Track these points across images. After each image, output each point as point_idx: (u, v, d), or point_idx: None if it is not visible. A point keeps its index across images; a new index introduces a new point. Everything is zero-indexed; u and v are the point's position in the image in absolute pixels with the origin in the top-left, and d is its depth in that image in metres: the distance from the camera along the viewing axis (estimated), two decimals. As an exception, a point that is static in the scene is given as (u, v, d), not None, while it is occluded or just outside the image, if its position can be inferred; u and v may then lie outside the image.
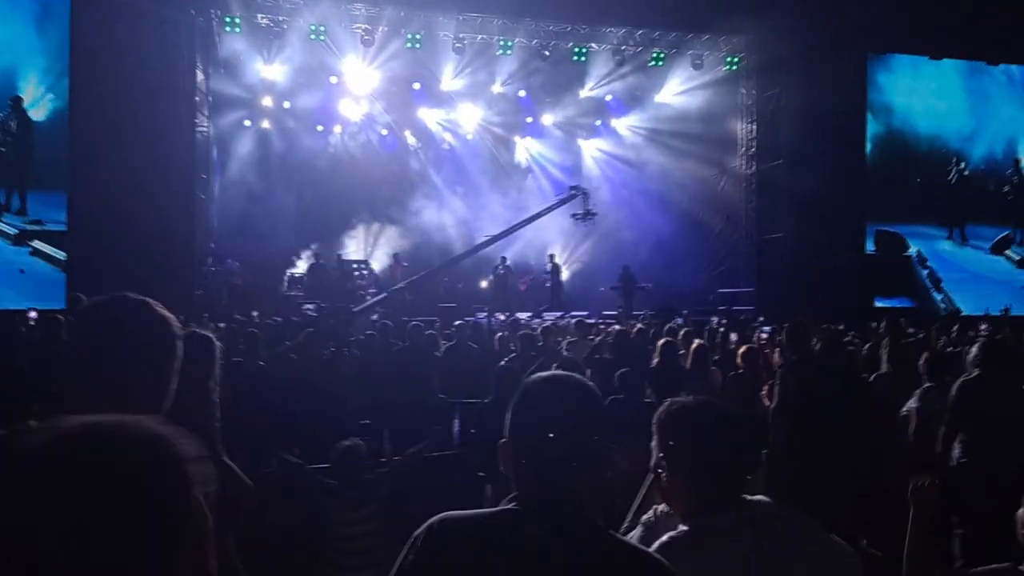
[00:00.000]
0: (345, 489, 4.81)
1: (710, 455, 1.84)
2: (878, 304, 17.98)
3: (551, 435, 1.49)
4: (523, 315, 15.75)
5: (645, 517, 2.06)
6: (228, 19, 16.36)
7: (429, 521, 1.51)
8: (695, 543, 1.78)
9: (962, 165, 19.67)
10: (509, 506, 1.51)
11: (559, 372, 1.67)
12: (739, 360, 7.11)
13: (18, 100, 14.42)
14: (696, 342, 7.39)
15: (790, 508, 1.87)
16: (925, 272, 19.21)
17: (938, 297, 19.07)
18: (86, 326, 1.75)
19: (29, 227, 14.39)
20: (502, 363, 7.69)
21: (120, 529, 0.90)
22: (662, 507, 2.01)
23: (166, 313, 1.74)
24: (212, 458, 2.32)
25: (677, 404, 1.94)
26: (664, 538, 1.81)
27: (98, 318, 1.73)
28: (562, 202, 17.16)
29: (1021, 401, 5.10)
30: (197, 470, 1.00)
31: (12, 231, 14.37)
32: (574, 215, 17.41)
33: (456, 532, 1.50)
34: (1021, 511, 2.42)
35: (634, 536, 2.00)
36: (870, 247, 18.70)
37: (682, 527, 1.83)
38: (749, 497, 1.86)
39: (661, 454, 1.90)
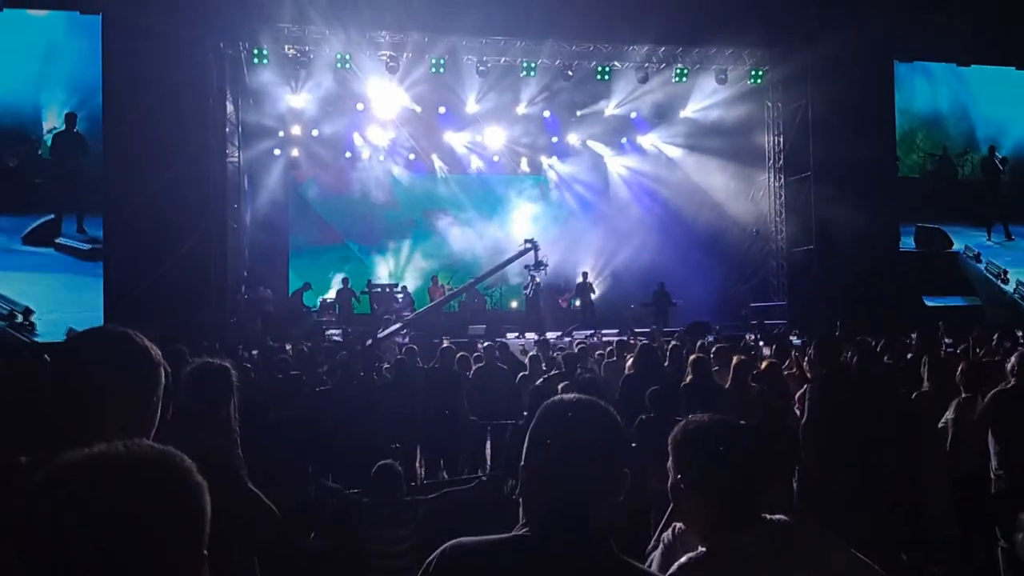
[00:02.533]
0: (382, 509, 4.83)
1: (724, 474, 1.83)
2: (929, 304, 17.76)
3: (566, 459, 1.50)
4: (552, 335, 15.74)
5: (665, 536, 2.06)
6: (256, 51, 16.67)
7: (443, 546, 1.53)
8: (712, 565, 1.76)
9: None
10: (522, 531, 1.52)
11: (578, 396, 1.67)
12: (773, 374, 7.03)
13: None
14: (736, 358, 7.31)
15: (813, 526, 1.85)
16: (982, 266, 18.88)
17: (1009, 289, 18.74)
18: (69, 357, 1.81)
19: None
20: (538, 383, 7.67)
21: (137, 539, 1.01)
22: (680, 526, 2.00)
23: (147, 343, 1.80)
24: (230, 484, 2.36)
25: (693, 423, 1.93)
26: (683, 559, 1.80)
27: (80, 349, 1.79)
28: (519, 254, 17.58)
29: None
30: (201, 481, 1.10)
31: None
32: (526, 266, 17.69)
33: (468, 557, 1.51)
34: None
35: (654, 556, 1.99)
36: (909, 244, 18.46)
37: (700, 548, 1.82)
38: (769, 516, 1.84)
39: (678, 474, 1.89)
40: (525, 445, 1.58)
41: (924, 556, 5.51)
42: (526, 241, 17.95)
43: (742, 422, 2.10)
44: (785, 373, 7.21)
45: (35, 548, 1.00)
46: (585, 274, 19.69)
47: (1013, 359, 5.27)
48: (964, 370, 5.98)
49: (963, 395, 5.81)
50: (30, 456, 1.65)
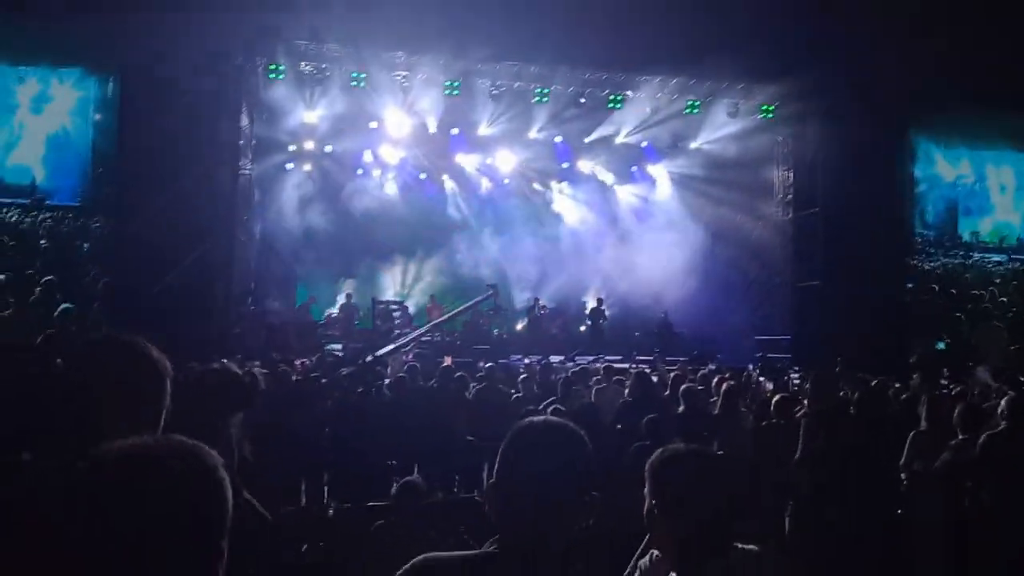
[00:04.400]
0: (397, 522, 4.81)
1: (696, 502, 1.86)
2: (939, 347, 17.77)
3: (533, 480, 1.54)
4: (556, 358, 15.77)
5: (641, 562, 2.09)
6: (272, 67, 16.86)
7: (413, 561, 1.57)
8: None
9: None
10: (491, 548, 1.56)
11: (550, 419, 1.71)
12: (772, 409, 7.05)
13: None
14: (725, 384, 7.34)
15: (783, 557, 1.89)
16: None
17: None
18: (77, 363, 1.86)
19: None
20: (532, 408, 7.70)
21: (173, 525, 1.10)
22: (656, 553, 2.04)
23: (156, 354, 1.86)
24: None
25: (669, 451, 1.98)
26: None
27: (88, 356, 1.84)
28: (479, 302, 17.78)
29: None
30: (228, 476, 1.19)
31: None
32: (488, 310, 17.91)
33: (438, 572, 1.55)
34: None
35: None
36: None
37: (671, 573, 1.85)
38: (741, 546, 1.88)
39: (652, 500, 1.93)
40: (496, 463, 1.63)
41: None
42: (488, 286, 18.17)
43: (720, 452, 2.14)
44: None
45: (75, 533, 1.08)
46: (600, 300, 19.77)
47: (1003, 402, 5.28)
48: (961, 412, 5.99)
49: (960, 437, 5.82)
50: (31, 453, 1.70)
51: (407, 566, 1.57)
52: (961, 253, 21.64)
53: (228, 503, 1.17)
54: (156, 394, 1.83)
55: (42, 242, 16.10)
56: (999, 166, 21.97)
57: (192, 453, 1.17)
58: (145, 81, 14.42)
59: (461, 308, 17.68)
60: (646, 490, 1.97)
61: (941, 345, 17.73)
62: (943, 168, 21.70)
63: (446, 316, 17.03)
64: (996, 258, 21.46)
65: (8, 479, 1.63)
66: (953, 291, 19.98)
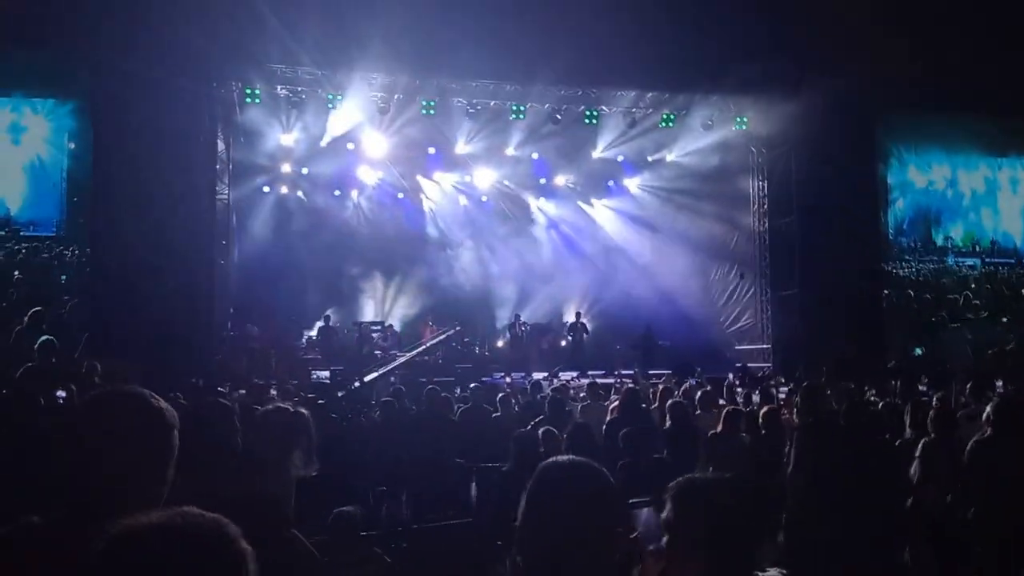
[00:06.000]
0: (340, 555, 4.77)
1: (725, 531, 1.87)
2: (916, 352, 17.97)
3: (563, 519, 1.55)
4: (539, 375, 15.77)
5: None
6: (248, 90, 16.83)
7: None
8: None
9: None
10: None
11: (574, 459, 1.73)
12: (761, 422, 7.08)
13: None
14: (727, 408, 7.33)
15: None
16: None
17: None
18: (83, 418, 1.84)
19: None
20: (523, 430, 7.67)
21: None
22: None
23: (162, 405, 1.85)
24: (278, 532, 2.41)
25: (695, 479, 1.99)
26: None
27: (93, 412, 1.83)
28: (446, 336, 17.98)
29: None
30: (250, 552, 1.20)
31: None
32: (453, 343, 18.15)
33: None
34: None
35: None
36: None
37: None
38: (761, 573, 1.89)
39: (679, 528, 1.93)
40: (523, 506, 1.63)
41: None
42: (455, 323, 18.44)
43: (729, 476, 2.15)
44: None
45: None
46: (579, 314, 19.82)
47: (988, 409, 5.33)
48: (933, 417, 6.08)
49: (930, 436, 5.91)
50: (42, 517, 1.68)
51: None
52: (935, 258, 21.93)
53: (249, 572, 1.18)
54: (163, 450, 1.82)
55: (16, 272, 15.90)
56: (970, 171, 22.32)
57: (212, 527, 1.18)
58: (118, 108, 14.30)
59: (430, 343, 17.75)
60: (668, 515, 1.96)
61: (919, 351, 17.92)
62: (915, 174, 22.01)
63: (417, 350, 17.10)
64: (970, 262, 21.76)
65: (21, 546, 1.61)
66: (928, 296, 20.23)
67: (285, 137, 18.78)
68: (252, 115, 17.68)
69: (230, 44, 14.79)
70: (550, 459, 1.73)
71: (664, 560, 2.00)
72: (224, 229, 17.46)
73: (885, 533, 4.94)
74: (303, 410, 2.99)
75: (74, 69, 15.49)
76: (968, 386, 8.02)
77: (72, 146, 16.98)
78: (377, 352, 17.45)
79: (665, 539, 1.96)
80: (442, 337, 17.77)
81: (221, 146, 16.93)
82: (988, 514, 5.11)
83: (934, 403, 6.77)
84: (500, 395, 9.74)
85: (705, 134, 19.43)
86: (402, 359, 16.10)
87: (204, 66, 15.11)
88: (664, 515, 1.96)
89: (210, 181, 16.08)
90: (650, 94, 18.33)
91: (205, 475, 1.94)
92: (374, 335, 18.98)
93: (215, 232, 16.45)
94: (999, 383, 9.98)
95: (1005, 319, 18.89)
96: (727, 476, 2.02)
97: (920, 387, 10.54)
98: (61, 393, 6.96)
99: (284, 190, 20.94)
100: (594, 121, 18.90)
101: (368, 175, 21.09)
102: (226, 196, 17.45)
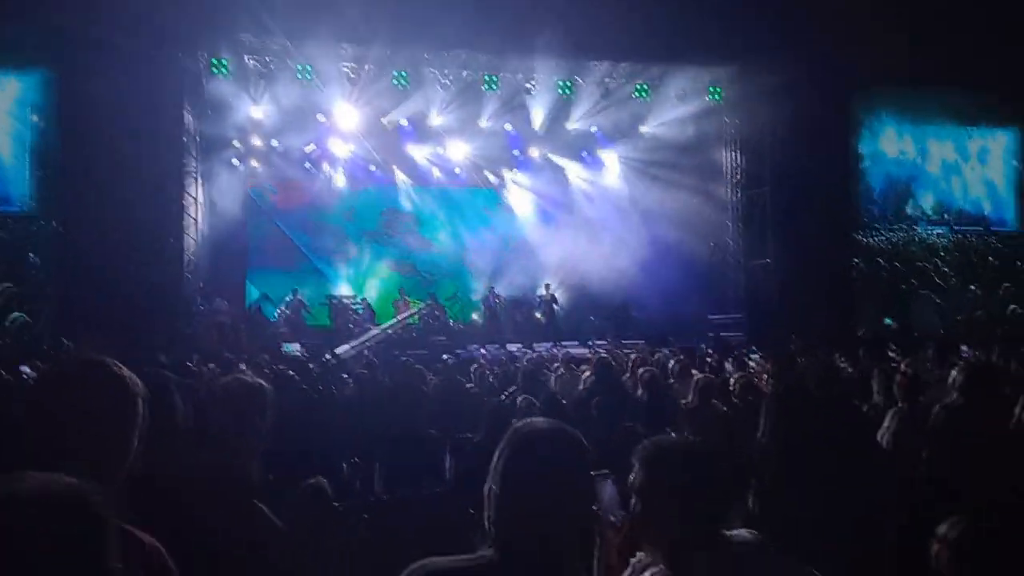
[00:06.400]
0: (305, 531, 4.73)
1: (699, 494, 1.86)
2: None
3: (538, 490, 1.52)
4: (513, 346, 15.79)
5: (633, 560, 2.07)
6: (215, 61, 16.50)
7: (410, 568, 1.54)
8: None
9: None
10: (488, 552, 1.54)
11: (549, 423, 1.70)
12: (734, 390, 7.10)
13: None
14: (699, 377, 7.34)
15: (773, 545, 1.89)
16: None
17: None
18: (45, 388, 1.81)
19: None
20: (497, 399, 7.67)
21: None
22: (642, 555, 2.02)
23: (126, 373, 1.81)
24: (241, 504, 2.37)
25: (666, 442, 1.97)
26: (644, 574, 1.83)
27: (57, 381, 1.79)
28: (419, 312, 18.37)
29: (1005, 427, 5.10)
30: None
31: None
32: (427, 317, 18.46)
33: None
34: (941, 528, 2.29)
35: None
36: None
37: (660, 565, 1.85)
38: (730, 533, 1.88)
39: (648, 492, 1.91)
40: (497, 472, 1.60)
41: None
42: (429, 295, 18.69)
43: (701, 441, 2.15)
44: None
45: None
46: (548, 286, 19.81)
47: (956, 374, 5.31)
48: (901, 382, 6.10)
49: (899, 404, 5.94)
50: None
51: (405, 572, 1.55)
52: (905, 227, 22.09)
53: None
54: (127, 418, 1.79)
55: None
56: (941, 141, 22.45)
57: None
58: (82, 81, 14.00)
59: (402, 317, 17.67)
60: (637, 479, 1.94)
61: (889, 320, 18.13)
62: (887, 144, 22.08)
63: (391, 324, 17.02)
64: (939, 230, 21.95)
65: None
66: (898, 264, 20.42)
67: (255, 110, 18.46)
68: (220, 87, 17.35)
69: (197, 10, 14.48)
70: (524, 421, 1.70)
71: (625, 530, 1.99)
72: (192, 204, 17.21)
73: (856, 500, 4.98)
74: (262, 381, 2.93)
75: (38, 39, 15.08)
76: (930, 352, 8.09)
77: (35, 119, 16.55)
78: (351, 326, 17.35)
79: (633, 503, 1.94)
80: (416, 311, 17.70)
81: (188, 119, 16.63)
82: (956, 480, 5.16)
83: (901, 369, 6.80)
84: (474, 367, 9.72)
85: (679, 105, 19.39)
86: (376, 331, 16.03)
87: (170, 34, 14.79)
88: (632, 478, 1.94)
89: (178, 154, 15.84)
90: (624, 64, 18.24)
91: (154, 450, 1.89)
92: (349, 309, 18.86)
93: (183, 207, 16.22)
94: (964, 349, 10.10)
95: (973, 286, 19.12)
96: (697, 439, 2.02)
97: (890, 354, 10.64)
98: (26, 368, 6.87)
99: (254, 163, 20.62)
100: (568, 92, 18.78)
101: (340, 148, 20.82)
102: (194, 170, 17.18)
